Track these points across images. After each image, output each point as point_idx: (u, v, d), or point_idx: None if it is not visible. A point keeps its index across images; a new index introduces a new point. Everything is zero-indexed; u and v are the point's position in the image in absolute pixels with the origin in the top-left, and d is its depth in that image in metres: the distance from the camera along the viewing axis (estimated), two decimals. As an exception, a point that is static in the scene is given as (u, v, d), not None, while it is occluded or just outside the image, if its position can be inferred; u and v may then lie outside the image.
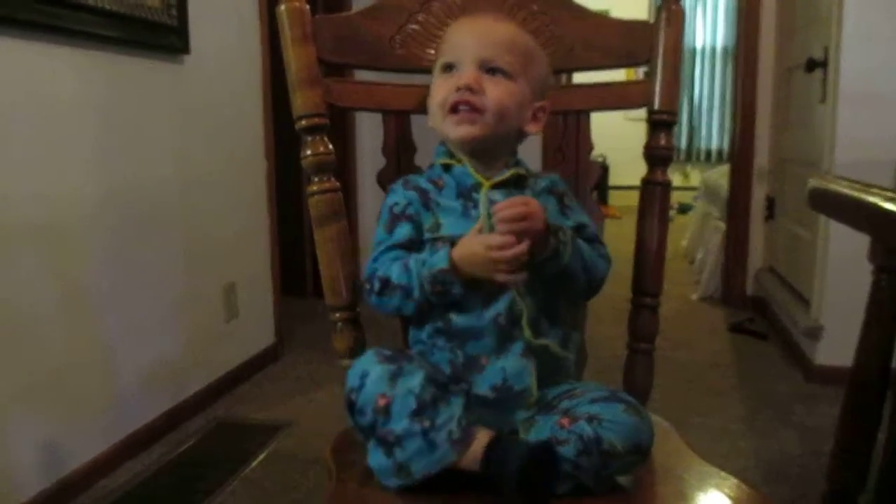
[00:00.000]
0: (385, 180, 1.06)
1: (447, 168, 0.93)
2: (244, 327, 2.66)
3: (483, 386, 0.87)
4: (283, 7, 0.95)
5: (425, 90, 1.03)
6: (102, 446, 1.94)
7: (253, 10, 2.69)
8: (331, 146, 0.97)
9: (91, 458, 1.89)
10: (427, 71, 1.02)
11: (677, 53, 1.02)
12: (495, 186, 0.90)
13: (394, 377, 0.80)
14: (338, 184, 0.98)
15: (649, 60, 1.03)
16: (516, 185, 0.92)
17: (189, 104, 2.31)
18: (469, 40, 0.91)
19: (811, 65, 2.69)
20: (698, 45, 7.59)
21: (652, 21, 1.03)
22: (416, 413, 0.79)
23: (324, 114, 0.97)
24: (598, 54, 1.04)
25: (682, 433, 1.00)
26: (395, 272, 0.87)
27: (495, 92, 0.88)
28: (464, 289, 0.84)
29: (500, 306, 0.86)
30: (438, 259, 0.84)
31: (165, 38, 2.15)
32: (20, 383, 1.69)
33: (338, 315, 0.98)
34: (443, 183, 0.92)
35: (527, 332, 0.87)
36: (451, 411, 0.80)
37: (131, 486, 1.90)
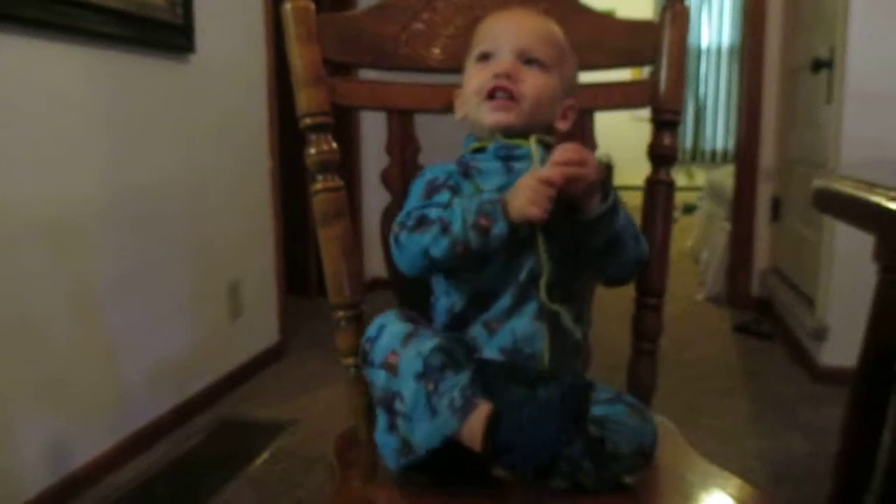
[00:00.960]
0: (389, 179, 1.06)
1: (481, 150, 0.92)
2: (249, 325, 2.66)
3: (492, 348, 0.85)
4: (288, 6, 0.95)
5: (430, 89, 1.04)
6: (108, 443, 1.95)
7: (258, 9, 2.70)
8: (335, 145, 0.97)
9: (96, 455, 1.90)
10: (432, 70, 1.02)
11: (682, 53, 1.01)
12: (542, 144, 0.90)
13: (408, 337, 0.80)
14: (342, 182, 0.98)
15: (654, 60, 1.03)
16: None
17: (194, 103, 2.32)
18: (507, 30, 0.91)
19: (817, 65, 2.68)
20: (703, 45, 7.57)
21: (657, 21, 1.03)
22: (422, 375, 0.77)
23: (328, 112, 0.97)
24: (603, 54, 1.03)
25: (686, 433, 1.00)
26: (433, 211, 0.85)
27: (531, 81, 0.89)
28: (508, 234, 0.80)
29: (524, 263, 0.86)
30: (487, 195, 0.82)
31: (171, 36, 2.15)
32: (27, 380, 1.70)
33: (341, 313, 0.98)
34: (476, 163, 0.91)
35: (542, 294, 0.85)
36: (457, 380, 0.77)
37: (136, 483, 1.90)
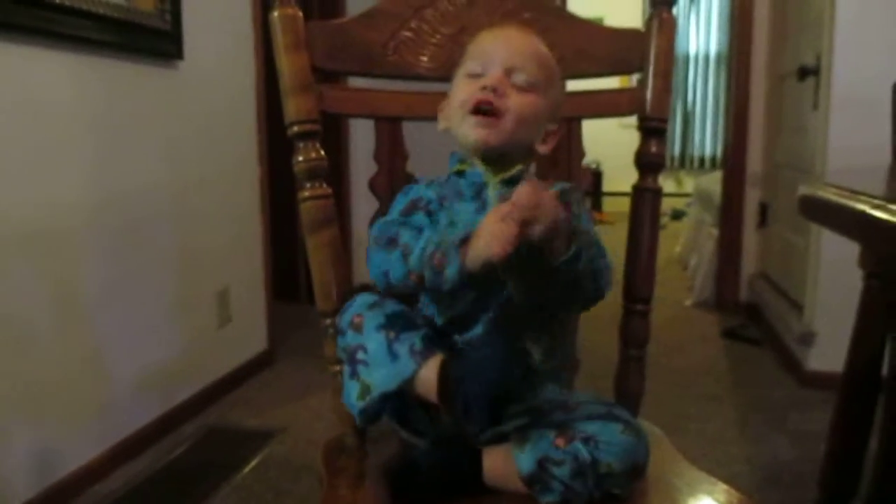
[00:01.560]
0: (377, 186, 1.06)
1: (461, 174, 0.93)
2: (237, 333, 2.65)
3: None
4: (275, 13, 0.95)
5: (418, 97, 1.04)
6: (94, 452, 1.93)
7: (247, 16, 2.69)
8: (323, 152, 0.97)
9: (83, 464, 1.89)
10: (420, 78, 1.03)
11: (669, 61, 1.02)
12: (504, 182, 0.90)
13: (374, 305, 0.84)
14: (330, 190, 0.98)
15: (641, 68, 1.03)
16: None
17: (183, 110, 2.31)
18: (499, 47, 0.90)
19: (803, 72, 2.71)
20: (692, 52, 7.61)
21: (644, 29, 1.04)
22: (384, 326, 0.81)
23: (316, 120, 0.97)
24: (590, 62, 1.04)
25: (674, 439, 1.00)
26: (406, 234, 0.84)
27: (517, 99, 0.88)
28: (459, 279, 0.77)
29: (493, 300, 0.86)
30: (453, 232, 0.80)
31: (160, 43, 2.15)
32: (11, 389, 1.68)
33: (329, 321, 0.97)
34: (459, 188, 0.92)
35: (502, 324, 0.86)
36: (418, 331, 0.82)
37: (123, 492, 1.89)
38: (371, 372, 0.81)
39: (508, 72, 0.89)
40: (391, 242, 0.84)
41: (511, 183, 0.88)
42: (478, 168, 0.91)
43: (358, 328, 0.83)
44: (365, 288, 0.89)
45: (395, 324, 0.81)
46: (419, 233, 0.84)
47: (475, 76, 0.90)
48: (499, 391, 0.82)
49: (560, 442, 0.80)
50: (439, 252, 0.78)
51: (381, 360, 0.80)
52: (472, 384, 0.78)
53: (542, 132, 0.92)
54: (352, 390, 0.83)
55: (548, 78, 0.91)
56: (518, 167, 0.91)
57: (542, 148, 0.93)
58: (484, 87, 0.87)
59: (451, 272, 0.77)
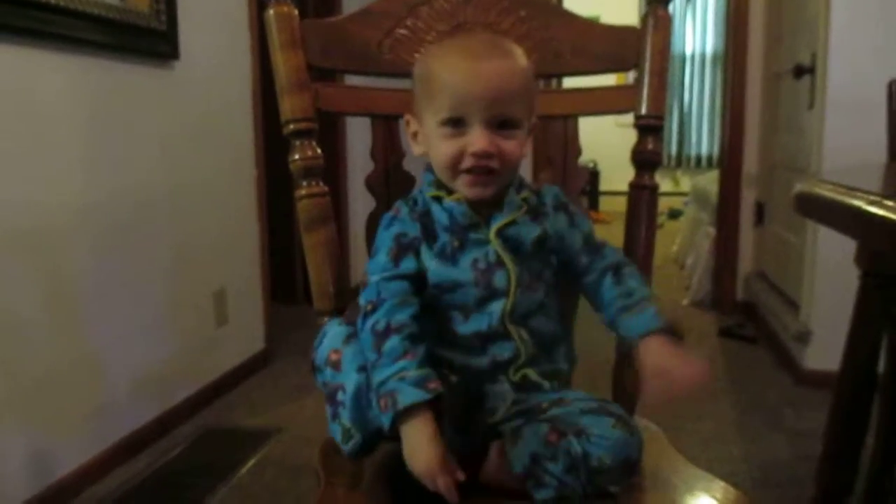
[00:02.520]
0: (373, 184, 1.06)
1: (438, 199, 0.88)
2: (234, 333, 2.65)
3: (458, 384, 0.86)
4: (271, 12, 0.95)
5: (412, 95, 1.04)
6: (90, 453, 1.93)
7: (243, 16, 2.69)
8: (319, 150, 0.97)
9: (79, 466, 1.88)
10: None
11: (664, 58, 1.02)
12: (501, 230, 0.87)
13: (349, 337, 0.83)
14: (326, 188, 0.98)
15: (637, 65, 1.03)
16: (529, 211, 0.89)
17: (179, 110, 2.31)
18: (477, 96, 0.82)
19: (799, 71, 2.71)
20: (688, 52, 7.62)
21: (639, 26, 1.04)
22: (364, 368, 0.80)
23: (312, 118, 0.97)
24: (585, 60, 1.04)
25: (671, 438, 1.00)
26: (396, 340, 0.79)
27: (507, 148, 0.84)
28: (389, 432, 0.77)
29: (501, 352, 0.86)
30: (410, 395, 0.75)
31: (155, 43, 2.15)
32: (6, 390, 1.68)
33: (326, 320, 0.97)
34: (431, 214, 0.88)
35: (513, 375, 0.87)
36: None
37: (119, 493, 1.88)
38: (348, 414, 0.81)
39: (493, 119, 0.83)
40: (382, 336, 0.79)
41: (510, 228, 0.87)
42: (463, 206, 0.86)
43: (336, 366, 0.82)
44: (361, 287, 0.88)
45: (375, 365, 0.79)
46: (403, 313, 0.80)
47: (454, 125, 0.84)
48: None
49: (552, 437, 0.80)
50: (386, 399, 0.76)
51: (358, 404, 0.80)
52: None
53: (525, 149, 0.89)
54: (336, 431, 0.83)
55: (530, 100, 0.88)
56: (511, 216, 0.87)
57: (526, 150, 0.89)
58: (475, 154, 0.83)
59: (385, 424, 0.76)
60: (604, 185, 7.28)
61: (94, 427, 1.96)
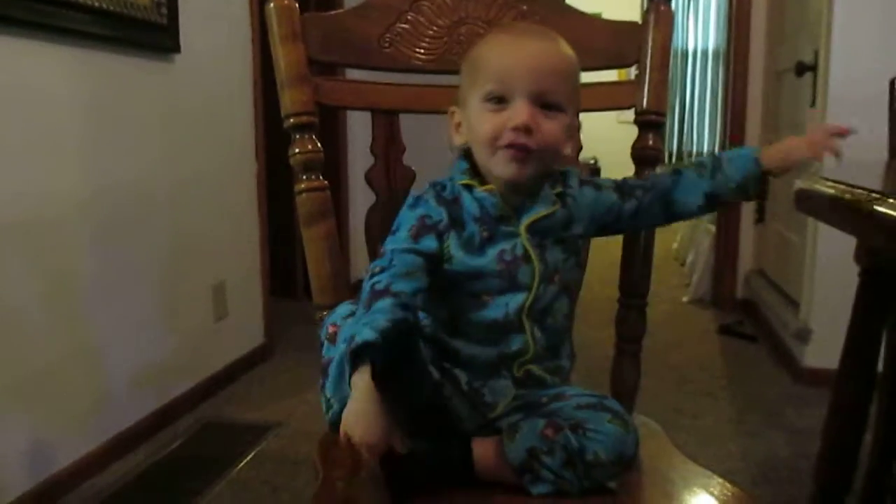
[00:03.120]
0: (374, 179, 1.06)
1: (469, 188, 0.87)
2: (234, 327, 2.65)
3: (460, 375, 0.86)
4: (271, 5, 0.95)
5: (415, 90, 1.03)
6: (89, 446, 1.93)
7: (244, 9, 2.69)
8: (319, 144, 0.97)
9: (78, 458, 1.88)
10: (416, 70, 1.02)
11: (666, 54, 1.02)
12: (532, 225, 0.86)
13: (351, 314, 0.82)
14: (325, 182, 0.98)
15: (638, 61, 1.03)
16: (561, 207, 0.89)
17: (179, 103, 2.30)
18: (523, 71, 0.82)
19: (801, 68, 2.70)
20: (690, 48, 7.60)
21: (641, 22, 1.03)
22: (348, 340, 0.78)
23: (312, 112, 0.96)
24: (587, 55, 1.03)
25: (670, 434, 1.00)
26: (385, 303, 0.75)
27: (548, 128, 0.83)
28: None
29: (510, 345, 0.86)
30: (361, 339, 0.71)
31: (156, 36, 2.14)
32: (5, 382, 1.68)
33: (325, 314, 0.97)
34: (465, 209, 0.86)
35: (517, 370, 0.87)
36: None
37: (118, 486, 1.89)
38: (331, 386, 0.82)
39: (536, 97, 0.82)
40: (375, 296, 0.77)
41: (542, 222, 0.87)
42: (496, 197, 0.86)
43: (332, 340, 0.83)
44: (362, 284, 0.88)
45: None
46: (408, 282, 0.78)
47: (497, 101, 0.83)
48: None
49: (549, 432, 0.80)
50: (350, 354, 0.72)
51: (337, 376, 0.80)
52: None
53: (566, 137, 0.88)
54: (322, 404, 0.83)
55: (574, 87, 0.87)
56: (545, 211, 0.87)
57: (567, 148, 0.89)
58: (516, 128, 0.82)
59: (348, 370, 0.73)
60: (604, 182, 7.25)
61: (93, 420, 1.96)
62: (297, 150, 0.96)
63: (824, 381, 1.67)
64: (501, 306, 0.85)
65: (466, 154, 0.89)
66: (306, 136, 0.96)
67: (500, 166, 0.84)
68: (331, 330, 0.83)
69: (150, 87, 2.17)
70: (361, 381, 0.70)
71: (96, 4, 1.87)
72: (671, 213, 0.94)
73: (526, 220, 0.86)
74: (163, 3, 2.15)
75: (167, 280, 2.27)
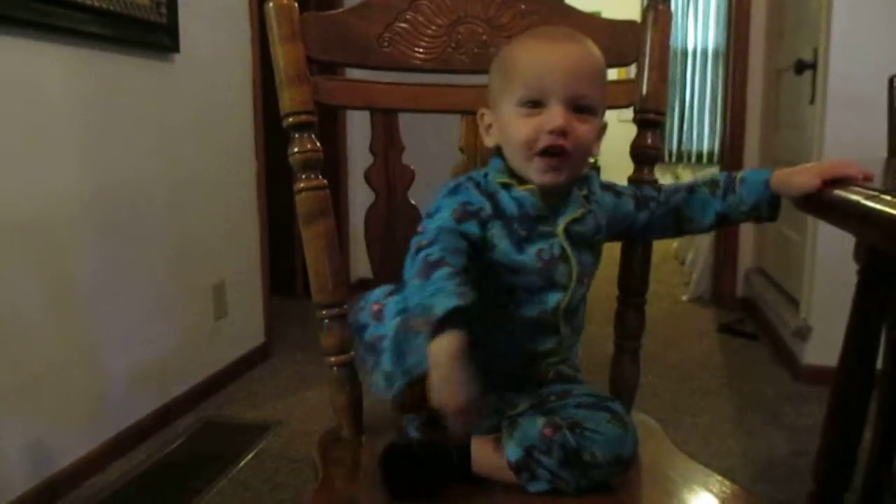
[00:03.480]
0: (373, 178, 1.06)
1: (505, 186, 0.87)
2: (233, 326, 2.65)
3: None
4: (270, 4, 0.95)
5: (414, 89, 1.03)
6: (90, 445, 1.93)
7: (243, 9, 2.69)
8: (318, 144, 0.97)
9: (79, 457, 1.89)
10: (415, 69, 1.02)
11: (664, 53, 1.02)
12: (568, 227, 0.87)
13: (392, 292, 0.82)
14: (325, 181, 0.98)
15: (637, 60, 1.03)
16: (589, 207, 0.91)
17: (179, 102, 2.30)
18: (558, 75, 0.83)
19: (800, 67, 2.70)
20: (690, 47, 7.60)
21: (639, 21, 1.04)
22: (402, 311, 0.78)
23: (311, 111, 0.96)
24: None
25: (670, 432, 1.01)
26: (446, 271, 0.73)
27: (583, 133, 0.84)
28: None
29: (543, 343, 0.88)
30: (442, 307, 0.70)
31: (155, 36, 2.14)
32: (6, 382, 1.68)
33: (325, 312, 0.98)
34: (503, 206, 0.86)
35: (545, 368, 0.89)
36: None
37: (119, 485, 1.89)
38: (390, 361, 0.79)
39: (570, 101, 0.83)
40: (434, 265, 0.74)
41: (575, 224, 0.88)
42: (529, 194, 0.86)
43: (378, 316, 0.81)
44: (363, 283, 0.89)
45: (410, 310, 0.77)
46: (463, 259, 0.76)
47: (532, 106, 0.84)
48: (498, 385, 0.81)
49: (548, 431, 0.81)
50: (421, 317, 0.72)
51: (399, 349, 0.78)
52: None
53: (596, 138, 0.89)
54: (378, 381, 0.81)
55: (604, 89, 0.88)
56: (580, 211, 0.88)
57: (595, 149, 0.90)
58: (552, 132, 0.82)
59: (419, 344, 0.72)
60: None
61: (94, 419, 1.96)
62: (296, 150, 0.96)
63: (824, 379, 1.67)
64: (538, 304, 0.86)
65: (499, 152, 0.89)
66: (305, 136, 0.96)
67: (537, 174, 0.85)
68: (375, 308, 0.82)
69: (149, 87, 2.17)
70: (445, 348, 0.69)
71: (95, 4, 1.87)
72: (682, 229, 0.97)
73: (563, 221, 0.87)
74: (162, 2, 2.15)
75: (167, 279, 2.27)
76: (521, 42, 0.89)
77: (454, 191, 0.86)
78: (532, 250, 0.85)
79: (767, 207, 0.91)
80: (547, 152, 0.83)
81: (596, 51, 0.87)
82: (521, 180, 0.87)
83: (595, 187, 0.93)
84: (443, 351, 0.69)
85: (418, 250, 0.77)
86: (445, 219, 0.83)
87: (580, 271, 0.88)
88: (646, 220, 0.95)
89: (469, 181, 0.88)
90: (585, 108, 0.84)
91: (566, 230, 0.87)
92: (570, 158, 0.84)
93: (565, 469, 0.80)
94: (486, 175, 0.89)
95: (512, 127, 0.85)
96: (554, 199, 0.87)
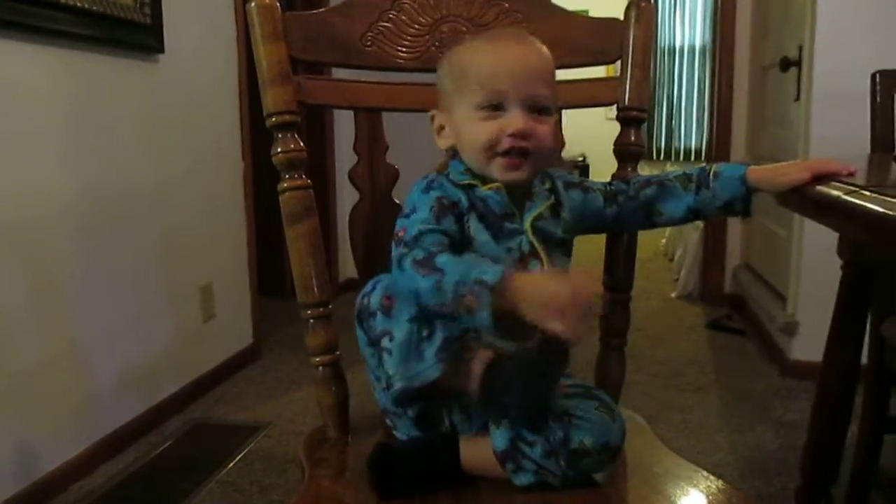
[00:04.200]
0: (357, 178, 1.06)
1: (469, 187, 0.87)
2: (222, 328, 2.64)
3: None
4: (252, 4, 0.95)
5: (397, 88, 1.03)
6: (78, 448, 1.92)
7: (228, 9, 2.68)
8: (301, 143, 0.97)
9: (66, 460, 1.88)
10: (398, 69, 1.02)
11: (647, 51, 1.02)
12: (535, 222, 0.88)
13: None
14: (308, 181, 0.97)
15: (620, 58, 1.03)
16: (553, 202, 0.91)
17: (164, 103, 2.29)
18: (514, 77, 0.84)
19: (786, 64, 2.72)
20: (677, 45, 7.63)
21: (622, 19, 1.04)
22: (415, 318, 0.77)
23: (295, 111, 0.96)
24: (568, 52, 1.04)
25: (659, 429, 1.01)
26: (446, 256, 0.77)
27: (542, 133, 0.85)
28: (490, 324, 0.72)
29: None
30: (493, 272, 0.72)
31: (139, 36, 2.13)
32: (-8, 385, 1.67)
33: (310, 312, 0.97)
34: (474, 202, 0.86)
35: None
36: (452, 330, 0.77)
37: (107, 487, 1.88)
38: (393, 363, 0.78)
39: (528, 103, 0.85)
40: (426, 264, 0.77)
41: (541, 221, 0.88)
42: (501, 194, 0.87)
43: (387, 311, 0.79)
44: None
45: (428, 319, 0.77)
46: (458, 259, 0.78)
47: (490, 109, 0.85)
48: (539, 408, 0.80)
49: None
50: (471, 292, 0.73)
51: (406, 355, 0.77)
52: (509, 405, 0.77)
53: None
54: (380, 374, 0.81)
55: (555, 88, 0.89)
56: (546, 204, 0.89)
57: (557, 143, 0.92)
58: (513, 135, 0.84)
59: (482, 318, 0.72)
60: (593, 179, 7.26)
61: (81, 422, 1.95)
62: (279, 150, 0.96)
63: (811, 374, 1.68)
64: None
65: (456, 154, 0.90)
66: (289, 135, 0.96)
67: (500, 171, 0.86)
68: (385, 302, 0.79)
69: (134, 88, 2.16)
70: (523, 276, 0.74)
71: (79, 4, 1.86)
72: (653, 222, 0.96)
73: (529, 217, 0.88)
74: (146, 2, 2.14)
75: (154, 281, 2.26)
76: (473, 46, 0.89)
77: (428, 188, 0.87)
78: (500, 249, 0.86)
79: (741, 203, 0.91)
80: (509, 153, 0.85)
81: (545, 50, 0.88)
82: (485, 180, 0.88)
83: (558, 183, 0.93)
84: (523, 276, 0.73)
85: (401, 258, 0.79)
86: (425, 217, 0.83)
87: (551, 266, 0.88)
88: (614, 214, 0.95)
89: (441, 177, 0.89)
90: (542, 108, 0.86)
91: (532, 226, 0.88)
92: (531, 157, 0.86)
93: (551, 460, 0.80)
94: (447, 176, 0.89)
95: (471, 130, 0.86)
96: (519, 195, 0.88)
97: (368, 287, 0.83)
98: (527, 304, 0.71)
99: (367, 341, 0.83)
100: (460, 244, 0.84)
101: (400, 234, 0.83)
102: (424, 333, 0.77)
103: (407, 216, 0.85)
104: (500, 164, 0.85)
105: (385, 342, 0.79)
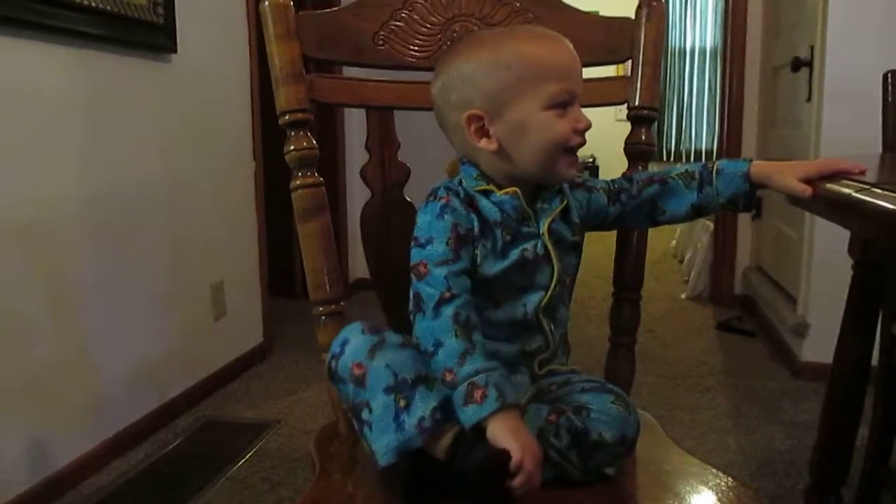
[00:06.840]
0: (368, 176, 1.07)
1: (484, 193, 0.87)
2: (232, 326, 2.66)
3: None
4: (266, 3, 0.95)
5: (409, 86, 1.04)
6: (89, 445, 1.94)
7: (241, 8, 2.69)
8: (314, 141, 0.97)
9: (78, 457, 1.89)
10: (410, 67, 1.02)
11: (657, 49, 1.02)
12: (552, 224, 0.89)
13: (373, 349, 0.79)
14: (321, 179, 0.98)
15: (631, 57, 1.04)
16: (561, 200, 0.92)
17: (177, 103, 2.31)
18: (576, 73, 0.86)
19: (797, 64, 2.71)
20: (688, 46, 7.61)
21: (633, 18, 1.04)
22: (392, 389, 0.77)
23: (307, 109, 0.97)
24: (580, 51, 1.03)
25: (669, 429, 1.01)
26: (463, 313, 0.80)
27: None
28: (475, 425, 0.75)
29: (530, 342, 0.89)
30: (483, 408, 0.74)
31: (152, 36, 2.15)
32: (6, 382, 1.69)
33: (321, 309, 0.98)
34: (487, 213, 0.86)
35: (538, 368, 0.90)
36: (429, 399, 0.77)
37: (118, 484, 1.89)
38: (375, 437, 0.77)
39: (579, 99, 0.86)
40: (467, 325, 0.79)
41: (557, 223, 0.89)
42: (511, 197, 0.87)
43: (359, 382, 0.78)
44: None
45: (404, 386, 0.77)
46: (470, 337, 0.79)
47: (562, 107, 0.84)
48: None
49: (552, 417, 0.82)
50: (484, 395, 0.75)
51: (386, 427, 0.76)
52: (480, 480, 0.75)
53: None
54: (365, 445, 0.81)
55: None
56: (561, 206, 0.90)
57: None
58: (582, 132, 0.85)
59: (472, 415, 0.75)
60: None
61: (93, 419, 1.96)
62: (292, 147, 0.96)
63: (822, 376, 1.68)
64: (520, 306, 0.87)
65: (469, 159, 0.89)
66: (301, 133, 0.97)
67: (567, 169, 0.87)
68: (356, 372, 0.78)
69: (147, 87, 2.17)
70: (520, 421, 0.77)
71: (93, 4, 1.88)
72: (656, 221, 0.96)
73: (546, 220, 0.88)
74: (159, 2, 2.15)
75: (166, 279, 2.27)
76: (530, 41, 0.87)
77: (441, 213, 0.85)
78: (515, 253, 0.86)
79: (745, 199, 0.90)
80: (573, 150, 0.86)
81: None
82: (500, 185, 0.87)
83: (564, 184, 0.92)
84: (516, 422, 0.76)
85: (441, 303, 0.80)
86: (444, 253, 0.83)
87: (561, 272, 0.89)
88: (617, 213, 0.95)
89: (448, 192, 0.87)
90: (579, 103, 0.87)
91: (549, 229, 0.88)
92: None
93: (573, 451, 0.81)
94: (460, 183, 0.89)
95: (542, 128, 0.84)
96: (535, 197, 0.89)
97: (336, 348, 0.82)
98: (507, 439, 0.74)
99: (344, 406, 0.84)
100: (473, 271, 0.85)
101: (422, 270, 0.82)
102: (402, 404, 0.76)
103: (423, 246, 0.84)
104: (567, 161, 0.86)
105: (365, 415, 0.78)
